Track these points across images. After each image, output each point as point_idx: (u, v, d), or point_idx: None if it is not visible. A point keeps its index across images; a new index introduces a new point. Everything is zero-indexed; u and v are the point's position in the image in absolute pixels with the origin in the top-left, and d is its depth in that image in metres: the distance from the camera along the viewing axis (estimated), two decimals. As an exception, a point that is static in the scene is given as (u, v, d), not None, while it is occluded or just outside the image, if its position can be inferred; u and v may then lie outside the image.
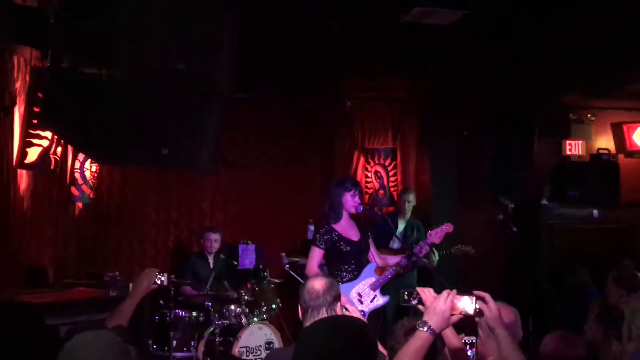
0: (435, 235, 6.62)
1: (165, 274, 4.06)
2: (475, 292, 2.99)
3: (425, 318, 2.89)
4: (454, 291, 2.94)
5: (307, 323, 3.57)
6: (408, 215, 8.62)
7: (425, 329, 2.85)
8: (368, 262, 6.36)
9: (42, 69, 6.26)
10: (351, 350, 2.37)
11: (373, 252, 6.48)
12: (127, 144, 4.09)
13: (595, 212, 9.53)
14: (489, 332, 3.49)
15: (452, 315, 2.90)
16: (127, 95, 3.83)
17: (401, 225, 8.53)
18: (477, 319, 3.06)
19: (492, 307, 2.99)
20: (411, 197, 8.69)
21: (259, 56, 7.35)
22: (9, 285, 6.51)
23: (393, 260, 6.58)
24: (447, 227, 6.73)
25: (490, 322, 3.00)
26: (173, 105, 4.02)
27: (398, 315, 6.37)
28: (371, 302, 6.27)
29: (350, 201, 6.25)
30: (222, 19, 4.18)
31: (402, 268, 6.53)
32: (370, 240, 6.51)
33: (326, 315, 3.55)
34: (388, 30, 7.03)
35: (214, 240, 8.22)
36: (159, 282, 4.04)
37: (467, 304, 2.92)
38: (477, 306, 2.94)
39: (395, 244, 7.67)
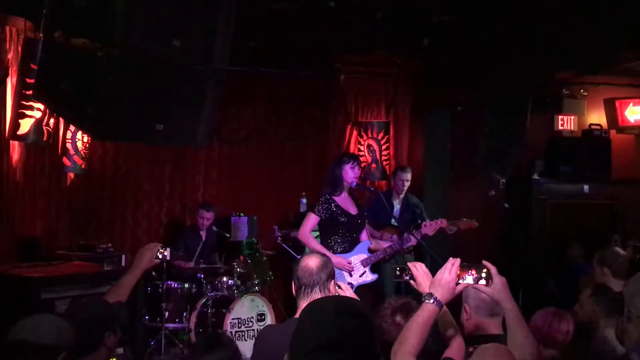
0: (430, 227, 6.71)
1: (168, 249, 3.98)
2: (484, 262, 2.93)
3: (431, 290, 2.88)
4: (458, 261, 2.91)
5: (301, 300, 3.58)
6: (402, 195, 8.08)
7: (432, 300, 2.84)
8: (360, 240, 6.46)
9: (36, 40, 6.21)
10: (353, 336, 2.16)
11: (367, 232, 6.63)
12: (122, 120, 4.06)
13: (586, 187, 9.56)
14: (477, 306, 3.49)
15: (456, 285, 2.88)
16: (123, 71, 3.80)
17: (397, 205, 8.05)
18: (463, 292, 3.02)
19: (497, 280, 2.90)
20: (409, 176, 8.08)
21: (253, 31, 7.31)
22: (3, 257, 6.52)
23: (386, 243, 6.69)
24: (441, 222, 6.79)
25: (495, 295, 2.92)
26: (169, 81, 4.00)
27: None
28: (360, 277, 6.36)
29: (350, 173, 6.31)
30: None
31: (394, 251, 6.66)
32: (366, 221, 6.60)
33: (319, 293, 3.53)
34: (382, 5, 6.99)
35: (207, 218, 8.23)
36: (161, 256, 3.98)
37: (471, 275, 2.88)
38: (483, 276, 2.87)
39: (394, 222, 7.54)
